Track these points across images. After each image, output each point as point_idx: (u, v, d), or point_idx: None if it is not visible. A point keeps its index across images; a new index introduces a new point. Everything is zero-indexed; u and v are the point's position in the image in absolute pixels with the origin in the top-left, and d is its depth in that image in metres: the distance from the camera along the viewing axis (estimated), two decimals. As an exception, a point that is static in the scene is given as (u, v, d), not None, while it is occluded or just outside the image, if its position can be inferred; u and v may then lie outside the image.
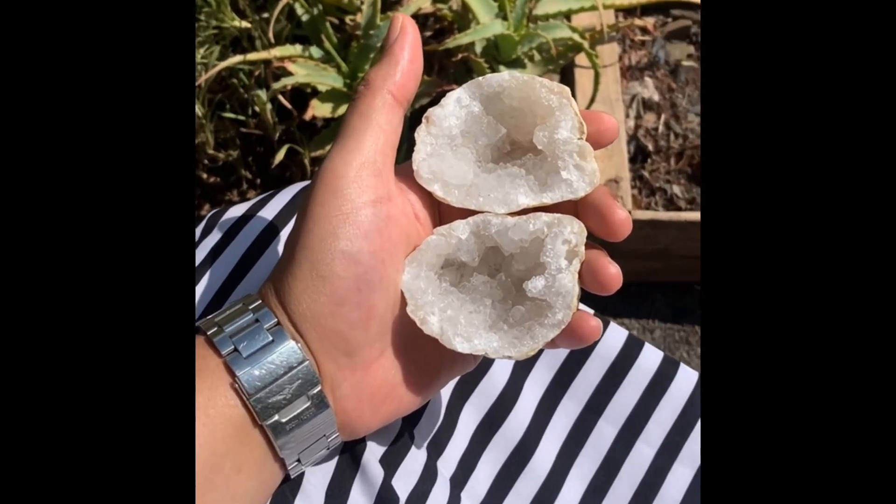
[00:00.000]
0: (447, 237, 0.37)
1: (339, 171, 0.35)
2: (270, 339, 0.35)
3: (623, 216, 0.35)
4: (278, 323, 0.35)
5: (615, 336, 0.50)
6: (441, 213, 0.40)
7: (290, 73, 0.87)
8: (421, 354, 0.38)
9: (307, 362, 0.35)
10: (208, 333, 0.35)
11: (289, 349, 0.35)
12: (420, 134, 0.38)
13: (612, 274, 0.35)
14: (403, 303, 0.37)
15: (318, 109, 0.87)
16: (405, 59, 0.36)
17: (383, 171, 0.36)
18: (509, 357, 0.36)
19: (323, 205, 0.35)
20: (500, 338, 0.36)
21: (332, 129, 0.97)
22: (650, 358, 0.49)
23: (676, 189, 1.02)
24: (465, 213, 0.38)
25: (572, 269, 0.35)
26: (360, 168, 0.35)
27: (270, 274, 0.37)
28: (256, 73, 0.97)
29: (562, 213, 0.36)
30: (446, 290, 0.38)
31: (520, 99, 0.38)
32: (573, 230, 0.36)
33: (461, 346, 0.36)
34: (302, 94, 0.98)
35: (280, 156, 0.92)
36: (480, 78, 0.38)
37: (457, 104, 0.38)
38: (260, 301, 0.36)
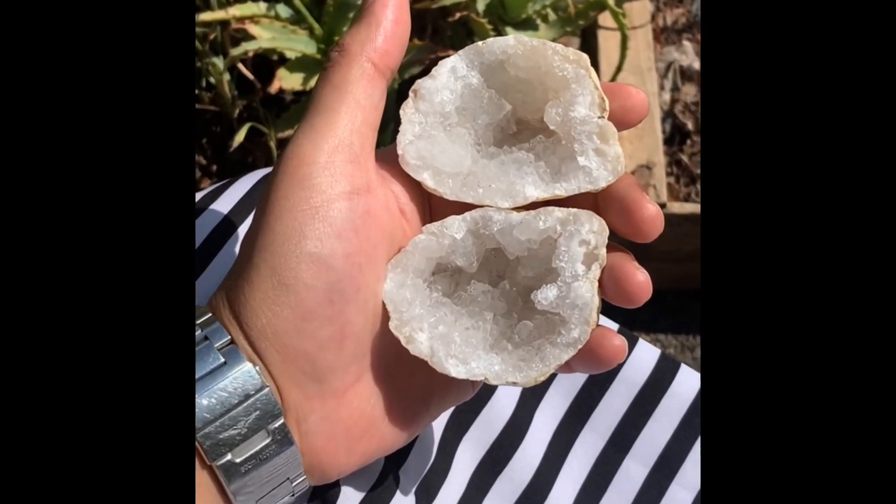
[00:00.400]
0: (439, 237, 0.37)
1: (306, 157, 0.35)
2: (222, 360, 0.35)
3: (653, 212, 0.35)
4: (232, 341, 0.35)
5: (645, 356, 0.50)
6: (432, 207, 0.40)
7: (252, 37, 0.87)
8: (407, 380, 0.38)
9: (267, 389, 0.35)
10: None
11: (245, 373, 0.35)
12: (406, 111, 0.38)
13: (640, 282, 0.35)
14: (385, 317, 0.37)
15: (287, 80, 0.88)
16: (388, 20, 0.36)
17: (361, 157, 0.36)
18: (514, 383, 0.36)
19: (287, 197, 0.35)
20: (502, 360, 0.36)
21: (302, 105, 0.97)
22: (687, 382, 0.49)
23: (721, 177, 1.02)
24: (461, 208, 0.38)
25: (591, 276, 0.35)
26: (332, 153, 0.35)
27: (223, 281, 0.37)
28: (211, 36, 0.97)
29: (578, 208, 0.36)
30: (437, 301, 0.38)
31: (528, 69, 0.38)
32: (592, 229, 0.36)
33: (456, 370, 0.36)
34: (267, 63, 0.98)
35: (240, 137, 0.92)
36: (480, 43, 0.38)
37: (451, 75, 0.38)
38: (210, 314, 0.36)
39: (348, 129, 0.35)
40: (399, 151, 0.37)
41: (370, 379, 0.37)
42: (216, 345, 0.35)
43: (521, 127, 0.40)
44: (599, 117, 0.36)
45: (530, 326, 0.37)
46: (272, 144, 0.98)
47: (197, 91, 1.02)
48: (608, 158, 0.36)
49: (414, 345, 0.36)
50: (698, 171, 1.03)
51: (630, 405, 0.49)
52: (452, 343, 0.36)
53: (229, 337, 0.35)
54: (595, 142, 0.36)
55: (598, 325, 0.36)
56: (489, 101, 0.38)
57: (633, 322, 1.08)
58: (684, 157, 1.03)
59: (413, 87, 0.38)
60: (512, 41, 0.37)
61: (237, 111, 1.01)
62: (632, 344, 0.49)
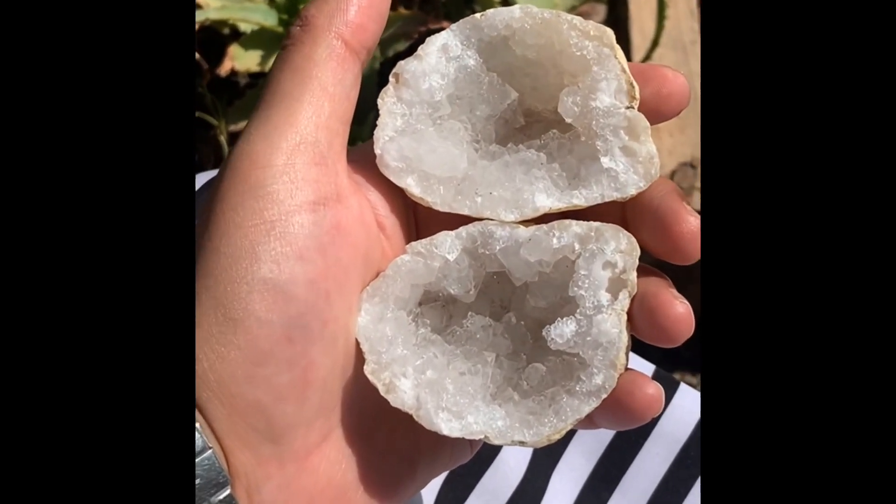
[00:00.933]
0: (427, 258, 0.37)
1: (260, 158, 0.35)
2: (154, 416, 0.34)
3: (695, 226, 0.35)
4: (166, 391, 0.35)
5: (687, 404, 0.50)
6: (418, 220, 0.40)
7: (198, 6, 0.88)
8: (387, 438, 0.38)
9: (209, 452, 0.34)
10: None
11: (182, 432, 0.34)
12: (386, 100, 0.38)
13: (679, 315, 0.34)
14: (359, 359, 0.37)
15: (240, 60, 0.88)
16: (363, -13, 0.37)
17: (329, 158, 0.36)
18: (522, 443, 0.35)
19: (236, 209, 0.35)
20: (507, 413, 0.36)
21: (259, 92, 0.97)
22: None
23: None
24: (455, 222, 0.38)
25: (618, 307, 0.35)
26: (292, 153, 0.35)
27: (156, 315, 0.37)
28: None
29: (602, 222, 0.36)
30: (425, 338, 0.38)
31: (538, 47, 0.38)
32: (619, 248, 0.36)
33: (448, 427, 0.36)
34: (216, 38, 0.99)
35: (184, 130, 0.92)
36: (479, 15, 0.38)
37: (442, 55, 0.38)
38: (139, 357, 0.36)
39: (313, 124, 0.35)
40: (377, 150, 0.37)
41: (340, 437, 0.37)
42: (145, 395, 0.35)
43: (530, 120, 0.40)
44: (628, 107, 0.36)
45: (542, 371, 0.36)
46: (222, 139, 0.98)
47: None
48: (639, 159, 0.36)
49: (395, 394, 0.36)
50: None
51: (670, 467, 0.49)
52: (444, 392, 0.36)
53: (162, 385, 0.35)
54: (622, 138, 0.36)
55: (626, 369, 0.36)
56: (490, 87, 0.38)
57: (673, 360, 1.08)
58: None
59: (394, 71, 0.38)
60: (518, 12, 0.37)
61: (180, 98, 1.02)
62: (671, 390, 0.49)
